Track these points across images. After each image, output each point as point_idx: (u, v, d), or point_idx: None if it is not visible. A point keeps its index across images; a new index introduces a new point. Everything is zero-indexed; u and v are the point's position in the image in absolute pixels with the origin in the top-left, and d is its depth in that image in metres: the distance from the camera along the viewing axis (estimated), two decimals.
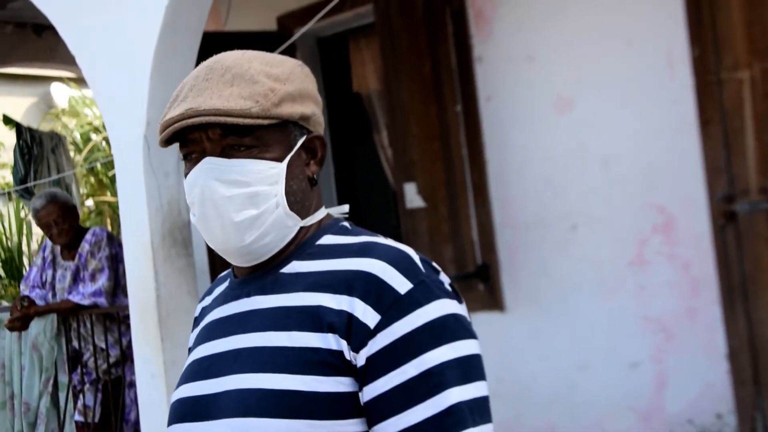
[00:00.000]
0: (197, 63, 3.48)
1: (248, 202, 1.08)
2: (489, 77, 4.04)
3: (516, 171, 3.98)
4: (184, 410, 1.13)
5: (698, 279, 3.48)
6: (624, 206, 3.66)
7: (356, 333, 1.02)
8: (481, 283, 4.00)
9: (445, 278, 1.09)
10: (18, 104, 12.89)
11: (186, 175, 1.14)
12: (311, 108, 1.15)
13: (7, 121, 6.29)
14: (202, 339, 1.19)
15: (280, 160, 1.11)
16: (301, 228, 1.14)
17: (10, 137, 9.19)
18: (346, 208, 1.21)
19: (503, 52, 4.00)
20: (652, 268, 3.59)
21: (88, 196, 10.29)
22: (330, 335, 1.02)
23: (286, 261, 1.13)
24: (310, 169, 1.16)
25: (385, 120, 4.57)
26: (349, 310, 1.03)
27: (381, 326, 1.01)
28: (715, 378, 3.44)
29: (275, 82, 1.11)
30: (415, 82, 3.97)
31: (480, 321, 4.06)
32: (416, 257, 1.07)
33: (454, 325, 1.03)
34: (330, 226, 1.16)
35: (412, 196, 3.86)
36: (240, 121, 1.06)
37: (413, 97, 3.98)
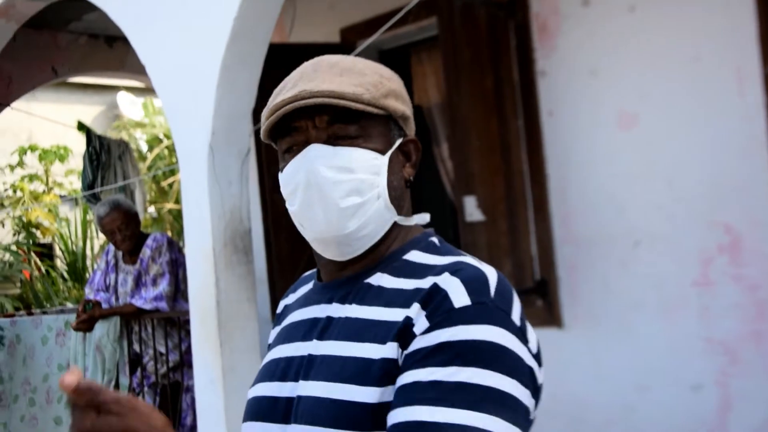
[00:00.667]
0: (263, 74, 3.54)
1: (353, 189, 1.09)
2: (552, 91, 4.01)
3: (577, 186, 3.94)
4: (260, 409, 1.14)
5: (765, 301, 3.38)
6: (689, 224, 3.58)
7: (407, 336, 1.02)
8: (540, 299, 3.96)
9: (517, 312, 1.04)
10: (86, 112, 13.26)
11: (282, 168, 1.15)
12: (409, 110, 1.17)
13: (81, 126, 6.47)
14: (281, 339, 1.20)
15: (382, 153, 1.12)
16: (392, 235, 1.14)
17: (78, 145, 9.46)
18: (427, 217, 1.21)
19: (567, 66, 3.97)
20: (717, 288, 3.50)
21: (149, 204, 10.52)
22: (393, 344, 1.02)
23: (372, 271, 1.13)
24: (406, 170, 1.17)
25: (445, 133, 4.57)
26: (410, 315, 1.03)
27: (426, 332, 1.00)
28: None
29: (381, 77, 1.14)
30: (477, 95, 3.96)
31: (538, 337, 4.02)
32: (494, 280, 1.04)
33: (489, 353, 0.98)
34: (419, 240, 1.15)
35: (472, 210, 3.84)
36: (353, 105, 1.08)
37: (475, 110, 3.97)
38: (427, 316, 1.01)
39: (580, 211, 3.93)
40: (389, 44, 5.00)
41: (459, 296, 1.01)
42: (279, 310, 1.32)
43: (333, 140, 1.10)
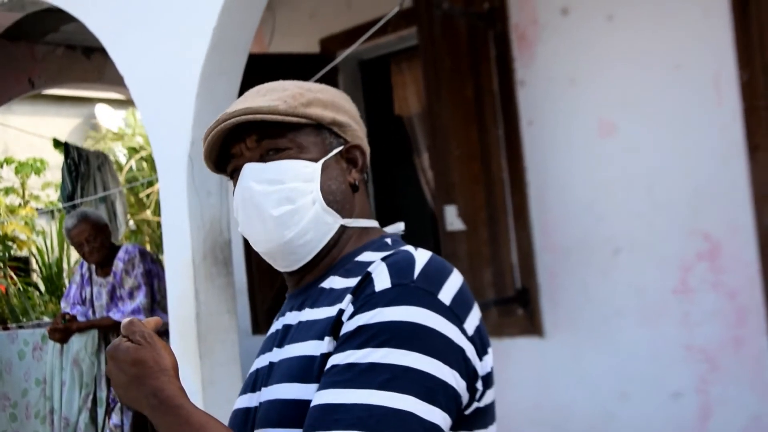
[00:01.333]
0: (242, 84, 3.54)
1: (284, 198, 1.12)
2: (531, 100, 4.02)
3: (557, 194, 3.95)
4: (236, 423, 1.17)
5: (745, 308, 3.40)
6: (668, 232, 3.60)
7: (339, 329, 1.03)
8: (521, 308, 3.96)
9: (447, 292, 1.02)
10: (63, 125, 13.16)
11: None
12: (345, 118, 1.19)
13: (57, 144, 6.43)
14: (259, 351, 1.24)
15: (315, 161, 1.15)
16: (343, 238, 1.16)
17: (55, 157, 9.38)
18: (401, 226, 1.23)
19: (546, 75, 3.99)
20: (697, 295, 3.52)
21: (129, 216, 10.46)
22: (329, 338, 1.04)
23: (326, 275, 1.15)
24: (351, 176, 1.19)
25: (426, 142, 4.58)
26: (342, 307, 1.05)
27: (350, 318, 1.02)
28: (761, 410, 3.35)
29: (304, 89, 1.18)
30: (457, 105, 3.96)
31: (519, 346, 4.02)
32: (421, 262, 1.03)
33: (405, 333, 0.97)
34: (373, 242, 1.17)
35: (453, 219, 3.84)
36: (267, 117, 1.12)
37: (455, 119, 3.98)
38: (353, 303, 1.03)
39: (560, 219, 3.94)
40: (369, 54, 5.01)
41: (382, 280, 1.02)
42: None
43: (265, 157, 1.15)
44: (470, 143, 3.99)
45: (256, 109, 1.12)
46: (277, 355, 1.13)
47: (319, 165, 1.14)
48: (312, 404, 0.98)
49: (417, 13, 3.89)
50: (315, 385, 1.01)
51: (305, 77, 3.84)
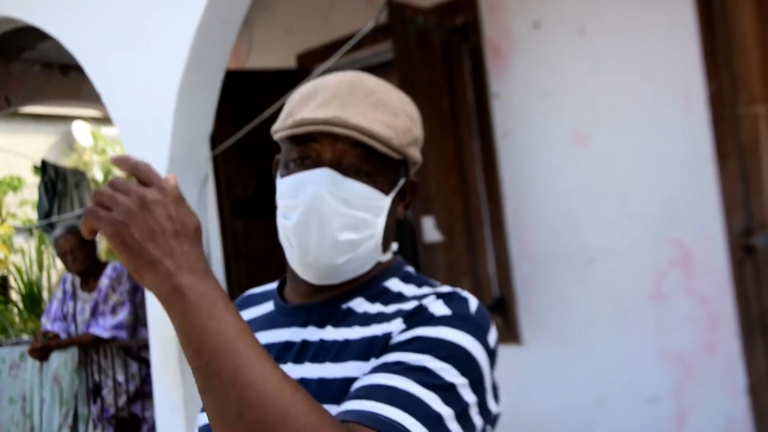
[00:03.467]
0: (220, 99, 3.55)
1: (351, 224, 1.08)
2: (505, 113, 4.09)
3: (533, 205, 4.01)
4: None
5: (717, 313, 3.47)
6: (641, 240, 3.67)
7: (388, 344, 1.02)
8: (498, 317, 4.01)
9: (493, 334, 1.06)
10: (41, 143, 13.10)
11: (284, 175, 1.12)
12: (420, 156, 1.17)
13: (37, 169, 6.40)
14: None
15: (385, 194, 1.11)
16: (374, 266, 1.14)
17: (31, 175, 9.34)
18: (395, 246, 1.21)
19: (519, 88, 4.06)
20: (671, 302, 3.59)
21: None
22: (374, 359, 1.02)
23: (350, 296, 1.12)
24: (398, 210, 1.17)
25: None
26: (391, 330, 1.03)
27: (403, 331, 1.01)
28: (735, 413, 3.42)
29: (411, 121, 1.13)
30: (434, 118, 4.02)
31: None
32: (474, 304, 1.06)
33: (464, 356, 0.99)
34: (395, 269, 1.16)
35: (430, 230, 3.89)
36: (381, 147, 1.07)
37: (431, 132, 4.02)
38: (405, 323, 1.02)
39: (535, 229, 4.00)
40: (346, 68, 5.05)
41: (440, 308, 1.02)
42: None
43: (345, 169, 1.09)
44: (447, 156, 4.04)
45: (374, 134, 1.06)
46: (295, 371, 1.07)
47: (388, 200, 1.11)
48: (356, 386, 0.97)
49: (392, 28, 3.94)
50: None
51: (282, 92, 3.88)
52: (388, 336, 1.03)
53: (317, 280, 1.12)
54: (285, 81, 4.54)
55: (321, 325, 1.11)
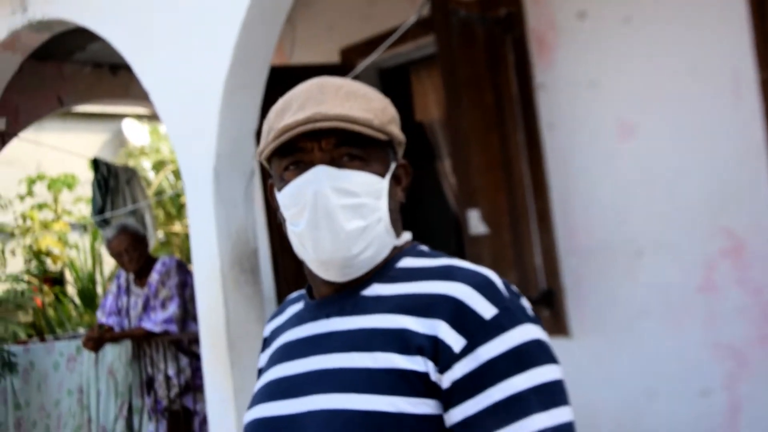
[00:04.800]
0: (265, 96, 3.59)
1: (357, 212, 1.10)
2: (551, 104, 4.05)
3: (580, 197, 3.97)
4: (264, 430, 1.13)
5: None
6: (691, 231, 3.61)
7: (442, 356, 1.03)
8: (546, 309, 3.99)
9: (526, 303, 1.10)
10: (93, 141, 13.38)
11: (281, 188, 1.15)
12: (403, 137, 1.20)
13: (93, 163, 6.53)
14: (276, 360, 1.18)
15: (381, 177, 1.14)
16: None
17: (85, 172, 9.54)
18: (409, 235, 1.23)
19: (565, 79, 4.01)
20: (722, 293, 3.52)
21: (158, 228, 10.60)
22: (419, 357, 1.04)
23: (367, 283, 1.14)
24: (398, 194, 1.20)
25: (447, 148, 4.62)
26: (435, 333, 1.04)
27: (466, 351, 1.03)
28: None
29: (383, 102, 1.17)
30: (477, 111, 4.00)
31: None
32: (499, 281, 1.09)
33: (537, 350, 1.04)
34: (408, 249, 1.18)
35: (476, 223, 3.88)
36: (364, 130, 1.10)
37: (475, 126, 4.02)
38: (459, 331, 1.04)
39: (583, 221, 3.96)
40: (389, 63, 5.06)
41: (481, 306, 1.05)
42: (266, 333, 1.30)
43: (337, 162, 1.11)
44: (491, 149, 4.03)
45: (353, 119, 1.09)
46: (323, 362, 1.09)
47: (386, 181, 1.14)
48: None
49: (434, 21, 3.93)
50: (388, 398, 1.02)
51: None
52: (439, 342, 1.04)
53: (340, 277, 1.14)
54: (329, 76, 4.56)
55: (343, 314, 1.13)
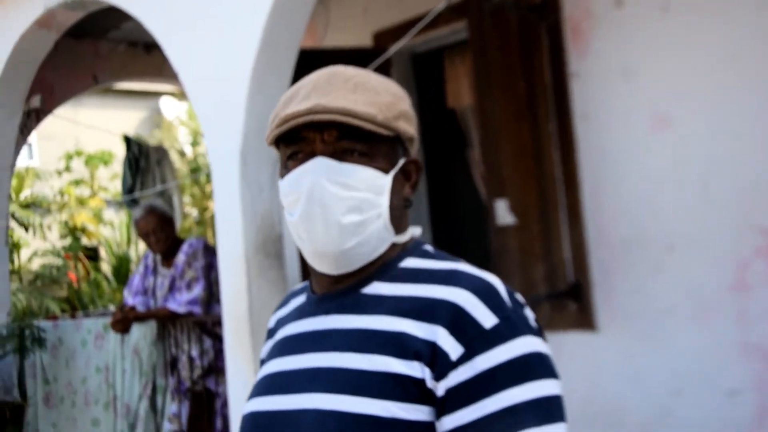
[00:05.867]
0: (293, 79, 3.58)
1: (355, 206, 1.09)
2: (585, 94, 3.97)
3: (611, 189, 3.89)
4: (259, 424, 1.13)
5: None
6: (724, 228, 3.52)
7: (439, 362, 1.02)
8: (573, 302, 3.93)
9: (530, 313, 1.07)
10: (131, 117, 13.52)
11: (283, 175, 1.14)
12: (415, 132, 1.17)
13: (126, 139, 6.59)
14: (276, 353, 1.18)
15: (385, 173, 1.12)
16: (389, 249, 1.14)
17: (122, 149, 9.64)
18: (418, 231, 1.21)
19: (600, 68, 3.93)
20: (754, 293, 3.43)
21: (191, 206, 10.68)
22: (415, 362, 1.02)
23: (368, 281, 1.12)
24: (405, 191, 1.17)
25: (478, 137, 4.56)
26: (433, 339, 1.02)
27: (463, 359, 1.01)
28: None
29: (394, 97, 1.14)
30: (508, 99, 3.94)
31: (571, 340, 3.99)
32: (502, 289, 1.06)
33: (537, 363, 1.02)
34: (412, 248, 1.16)
35: (504, 213, 3.83)
36: (365, 125, 1.08)
37: (506, 114, 3.95)
38: (458, 339, 1.02)
39: (614, 214, 3.88)
40: (422, 47, 5.00)
41: (482, 314, 1.02)
42: (271, 324, 1.29)
43: (339, 155, 1.10)
44: (522, 138, 3.96)
45: (355, 113, 1.08)
46: (321, 360, 1.09)
47: (389, 178, 1.12)
48: None
49: (467, 6, 3.87)
50: (382, 402, 1.01)
51: None
52: (437, 348, 1.02)
53: (333, 270, 1.12)
54: (360, 60, 4.50)
55: (342, 312, 1.11)
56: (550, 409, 1.00)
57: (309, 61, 4.47)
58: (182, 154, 11.04)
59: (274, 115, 1.14)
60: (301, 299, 1.23)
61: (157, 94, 12.94)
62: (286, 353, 1.15)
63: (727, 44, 3.49)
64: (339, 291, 1.14)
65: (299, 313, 1.19)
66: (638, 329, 3.81)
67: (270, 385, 1.14)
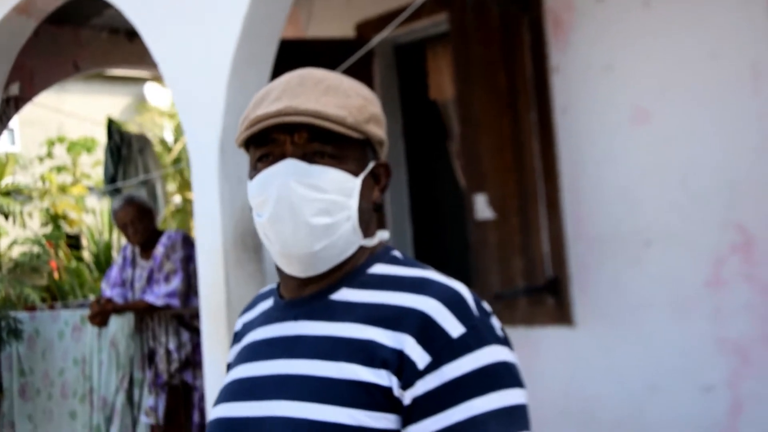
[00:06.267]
0: (274, 70, 3.55)
1: (324, 209, 1.09)
2: (565, 87, 3.97)
3: (590, 184, 3.90)
4: (225, 430, 1.12)
5: None
6: (701, 224, 3.53)
7: (406, 371, 1.02)
8: (551, 297, 3.94)
9: (496, 322, 1.08)
10: (115, 103, 13.41)
11: (252, 176, 1.14)
12: (385, 135, 1.18)
13: (107, 128, 6.53)
14: (244, 358, 1.17)
15: (354, 175, 1.12)
16: (356, 253, 1.14)
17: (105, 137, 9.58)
18: (387, 234, 1.20)
19: (580, 62, 3.93)
20: (730, 289, 3.46)
21: (175, 194, 10.63)
22: (383, 371, 1.03)
23: (336, 287, 1.12)
24: (374, 194, 1.17)
25: (458, 129, 4.55)
26: (400, 348, 1.03)
27: (430, 368, 1.01)
28: None
29: (365, 100, 1.15)
30: (489, 92, 3.93)
31: (548, 335, 4.00)
32: (470, 298, 1.07)
33: (503, 372, 1.03)
34: (381, 254, 1.16)
35: (482, 208, 3.83)
36: (335, 127, 1.08)
37: (486, 107, 3.95)
38: (425, 348, 1.02)
39: (592, 208, 3.89)
40: (405, 39, 4.98)
41: (449, 323, 1.03)
42: (237, 327, 1.28)
43: (309, 157, 1.10)
44: (502, 131, 3.96)
45: (326, 115, 1.08)
46: (288, 367, 1.09)
47: (359, 180, 1.12)
48: None
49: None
50: (349, 410, 1.01)
51: (340, 63, 3.84)
52: (404, 357, 1.02)
53: (302, 273, 1.12)
54: (343, 51, 4.49)
55: (311, 318, 1.11)
56: (515, 417, 1.01)
57: (290, 51, 4.45)
58: (165, 144, 10.97)
59: (244, 117, 1.14)
60: (268, 303, 1.22)
61: (142, 80, 12.84)
62: (254, 359, 1.15)
63: (708, 39, 3.50)
64: (307, 296, 1.13)
65: (267, 318, 1.19)
66: (615, 324, 3.83)
67: (238, 390, 1.14)
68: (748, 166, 3.40)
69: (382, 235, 1.20)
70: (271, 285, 1.27)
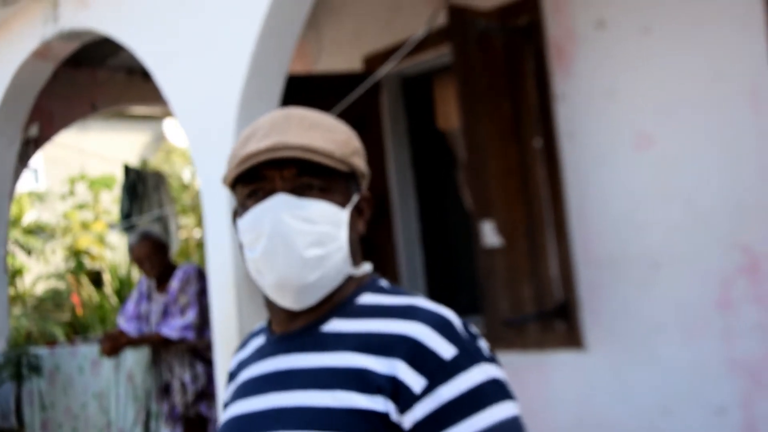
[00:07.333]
0: (285, 104, 3.63)
1: (316, 241, 1.11)
2: (570, 114, 4.01)
3: (597, 208, 3.93)
4: None
5: None
6: (708, 245, 3.55)
7: (402, 396, 1.04)
8: (561, 321, 3.95)
9: (484, 344, 1.11)
10: (136, 141, 13.61)
11: (241, 214, 1.16)
12: (366, 168, 1.21)
13: (124, 170, 6.63)
14: (238, 395, 1.19)
15: (342, 206, 1.15)
16: (345, 284, 1.16)
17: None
18: (369, 267, 1.23)
19: (584, 88, 3.97)
20: (738, 310, 3.46)
21: (195, 227, 10.73)
22: (379, 397, 1.05)
23: (326, 318, 1.14)
24: (359, 226, 1.20)
25: (464, 158, 4.60)
26: (393, 373, 1.05)
27: (427, 391, 1.04)
28: None
29: (347, 135, 1.18)
30: (494, 121, 3.98)
31: (559, 360, 4.01)
32: (458, 322, 1.10)
33: (494, 389, 1.06)
34: (368, 284, 1.18)
35: (490, 235, 3.86)
36: (325, 160, 1.12)
37: (492, 135, 3.99)
38: (419, 372, 1.05)
39: (600, 233, 3.92)
40: (411, 71, 5.06)
41: (441, 347, 1.06)
42: (232, 367, 1.30)
43: (298, 191, 1.13)
44: (508, 159, 4.00)
45: (314, 149, 1.11)
46: (283, 400, 1.10)
47: (346, 212, 1.15)
48: None
49: (450, 31, 3.92)
50: None
51: (347, 95, 3.90)
52: (399, 382, 1.05)
53: (295, 304, 1.14)
54: (350, 84, 4.57)
55: (303, 351, 1.13)
56: (510, 429, 1.05)
57: (298, 86, 4.54)
58: (184, 186, 11.11)
59: (233, 155, 1.16)
60: (260, 340, 1.24)
61: (162, 118, 13.03)
62: (249, 395, 1.16)
63: (708, 63, 3.53)
64: (298, 330, 1.15)
65: (260, 355, 1.20)
66: (626, 347, 3.83)
67: (236, 427, 1.15)
68: (752, 187, 3.42)
69: (366, 267, 1.22)
70: (261, 323, 1.29)
